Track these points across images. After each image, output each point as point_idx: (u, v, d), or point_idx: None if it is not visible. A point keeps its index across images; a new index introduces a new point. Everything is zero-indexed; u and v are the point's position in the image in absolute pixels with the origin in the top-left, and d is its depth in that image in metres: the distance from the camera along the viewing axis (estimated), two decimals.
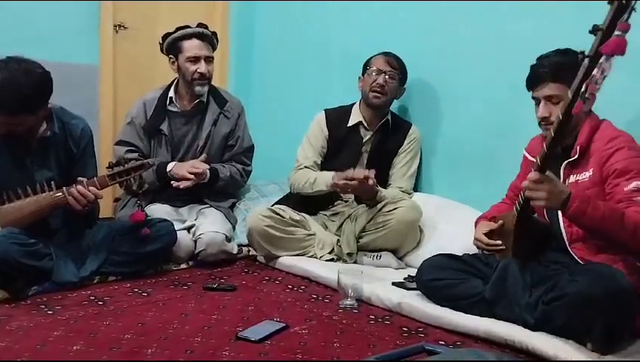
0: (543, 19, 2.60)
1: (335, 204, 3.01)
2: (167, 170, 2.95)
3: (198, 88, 3.03)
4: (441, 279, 2.18)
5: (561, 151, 2.08)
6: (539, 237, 2.20)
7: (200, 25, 3.06)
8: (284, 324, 2.04)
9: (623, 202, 1.93)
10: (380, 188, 2.81)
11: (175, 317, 2.12)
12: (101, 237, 2.53)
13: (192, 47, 3.01)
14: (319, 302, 2.36)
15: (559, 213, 2.04)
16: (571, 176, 2.09)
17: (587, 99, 1.70)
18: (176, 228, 2.72)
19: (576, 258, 2.05)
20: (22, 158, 2.41)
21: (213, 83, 3.18)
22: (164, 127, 3.05)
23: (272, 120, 3.87)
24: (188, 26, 3.04)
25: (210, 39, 3.08)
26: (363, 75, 3.01)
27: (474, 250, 2.33)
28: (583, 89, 1.73)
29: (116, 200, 3.05)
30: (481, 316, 2.05)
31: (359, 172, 2.70)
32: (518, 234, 2.16)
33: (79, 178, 2.40)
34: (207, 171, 2.97)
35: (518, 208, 2.12)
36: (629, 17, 1.64)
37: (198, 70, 3.00)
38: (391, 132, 2.99)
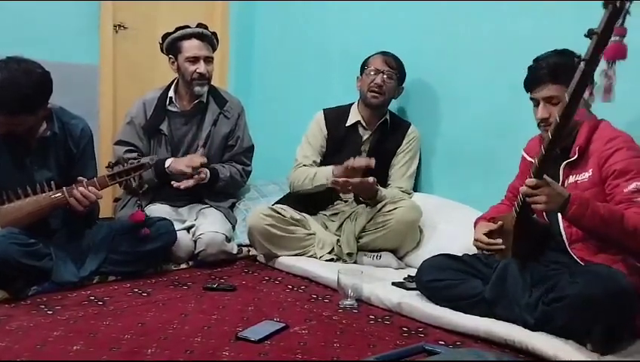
0: (543, 19, 2.60)
1: (335, 203, 3.01)
2: (165, 166, 2.94)
3: (197, 88, 3.03)
4: (441, 280, 2.18)
5: (560, 151, 2.07)
6: (538, 237, 2.20)
7: (200, 25, 3.07)
8: (284, 324, 2.04)
9: (622, 203, 1.93)
10: (380, 187, 2.81)
11: (175, 317, 2.12)
12: (101, 237, 2.53)
13: (191, 47, 3.01)
14: (319, 302, 2.36)
15: (558, 213, 2.04)
16: (570, 176, 2.09)
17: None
18: (176, 228, 2.73)
19: (575, 258, 2.05)
20: (22, 158, 2.41)
21: (213, 83, 3.19)
22: (164, 127, 3.05)
23: (272, 120, 3.87)
24: (188, 26, 3.04)
25: (209, 39, 3.08)
26: (361, 74, 3.01)
27: (474, 250, 2.33)
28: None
29: (116, 200, 3.05)
30: (481, 316, 2.05)
31: (360, 160, 2.71)
32: (517, 234, 2.15)
33: (79, 178, 2.41)
34: (207, 171, 2.98)
35: (518, 209, 2.12)
36: (624, 21, 1.65)
37: (198, 70, 3.00)
38: (389, 131, 2.99)
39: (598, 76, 1.75)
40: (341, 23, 3.51)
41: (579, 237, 2.05)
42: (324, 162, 3.01)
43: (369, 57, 3.00)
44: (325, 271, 2.59)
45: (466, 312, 2.08)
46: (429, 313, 2.14)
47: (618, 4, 1.63)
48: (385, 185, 2.94)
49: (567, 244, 2.08)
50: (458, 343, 1.97)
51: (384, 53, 2.98)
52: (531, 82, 2.14)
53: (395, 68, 2.95)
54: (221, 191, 3.13)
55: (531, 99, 2.16)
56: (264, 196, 3.32)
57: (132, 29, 3.62)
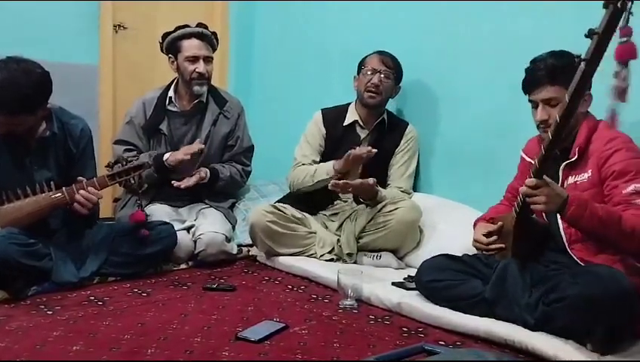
0: (543, 19, 2.60)
1: (335, 203, 3.01)
2: (164, 158, 2.93)
3: (196, 88, 3.03)
4: (441, 280, 2.18)
5: (560, 152, 2.07)
6: (538, 237, 2.20)
7: (199, 25, 3.07)
8: (283, 324, 2.04)
9: (621, 205, 1.93)
10: (379, 188, 2.81)
11: (175, 317, 2.12)
12: (101, 238, 2.53)
13: (191, 46, 3.01)
14: (319, 302, 2.36)
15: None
16: (570, 177, 2.09)
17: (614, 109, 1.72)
18: (175, 228, 2.73)
19: (575, 258, 2.05)
20: (21, 158, 2.41)
21: (213, 83, 3.19)
22: (164, 126, 3.05)
23: (272, 120, 3.87)
24: (187, 26, 3.04)
25: (209, 39, 3.08)
26: (358, 74, 3.01)
27: (474, 250, 2.33)
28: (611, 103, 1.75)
29: (116, 200, 3.05)
30: (481, 316, 2.05)
31: (361, 149, 2.71)
32: (517, 234, 2.15)
33: (79, 178, 2.41)
34: (207, 171, 2.98)
35: (517, 209, 2.12)
36: (627, 22, 1.65)
37: (197, 70, 3.00)
38: (387, 131, 2.99)
39: (611, 77, 1.75)
40: (341, 23, 3.51)
41: (578, 238, 2.04)
42: (322, 161, 3.00)
43: (366, 57, 3.00)
44: (325, 271, 2.59)
45: (465, 312, 2.08)
46: (428, 313, 2.14)
47: (619, 5, 1.63)
48: (384, 185, 2.94)
49: (566, 245, 2.08)
50: (458, 343, 1.97)
51: (381, 53, 2.97)
52: (529, 84, 2.14)
53: (392, 67, 2.95)
54: (221, 192, 3.13)
55: (530, 101, 2.16)
56: (264, 196, 3.32)
57: (132, 29, 3.62)
